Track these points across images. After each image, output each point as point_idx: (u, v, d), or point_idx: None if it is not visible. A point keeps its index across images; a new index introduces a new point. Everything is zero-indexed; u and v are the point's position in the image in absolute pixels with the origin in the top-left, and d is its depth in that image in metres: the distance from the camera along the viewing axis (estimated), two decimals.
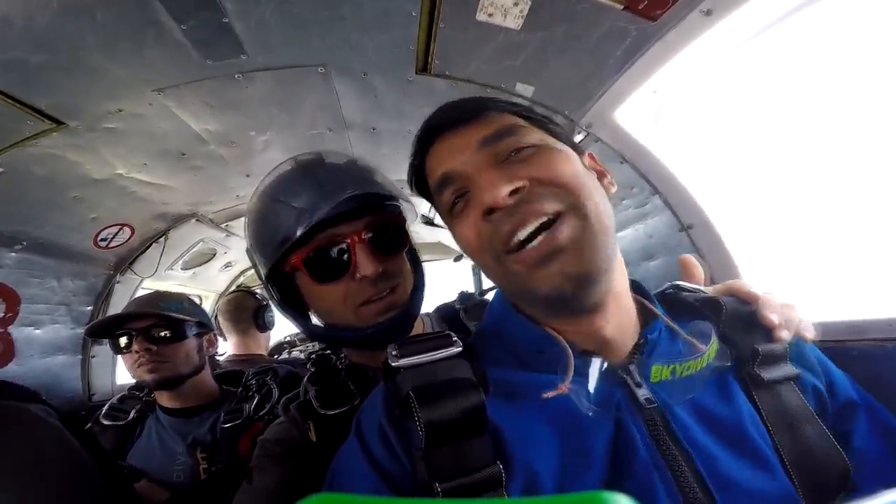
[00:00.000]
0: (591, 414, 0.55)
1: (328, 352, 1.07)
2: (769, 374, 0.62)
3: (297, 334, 3.11)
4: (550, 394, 0.55)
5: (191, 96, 1.46)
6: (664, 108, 1.37)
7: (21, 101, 1.29)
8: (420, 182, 0.73)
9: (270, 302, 2.28)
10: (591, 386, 0.57)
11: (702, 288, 0.76)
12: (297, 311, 0.99)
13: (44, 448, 0.77)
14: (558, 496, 0.23)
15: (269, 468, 0.90)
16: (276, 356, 2.78)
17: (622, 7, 1.04)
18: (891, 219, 1.20)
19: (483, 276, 3.34)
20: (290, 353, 2.88)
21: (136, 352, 1.51)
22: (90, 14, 1.08)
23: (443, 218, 0.70)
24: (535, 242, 0.56)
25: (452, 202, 0.64)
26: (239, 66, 1.38)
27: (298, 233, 0.83)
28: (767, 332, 0.66)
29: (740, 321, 0.68)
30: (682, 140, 1.39)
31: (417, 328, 1.02)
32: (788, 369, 0.64)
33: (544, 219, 0.56)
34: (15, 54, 1.14)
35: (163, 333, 1.53)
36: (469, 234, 0.62)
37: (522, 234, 0.56)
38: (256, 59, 1.36)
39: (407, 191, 0.86)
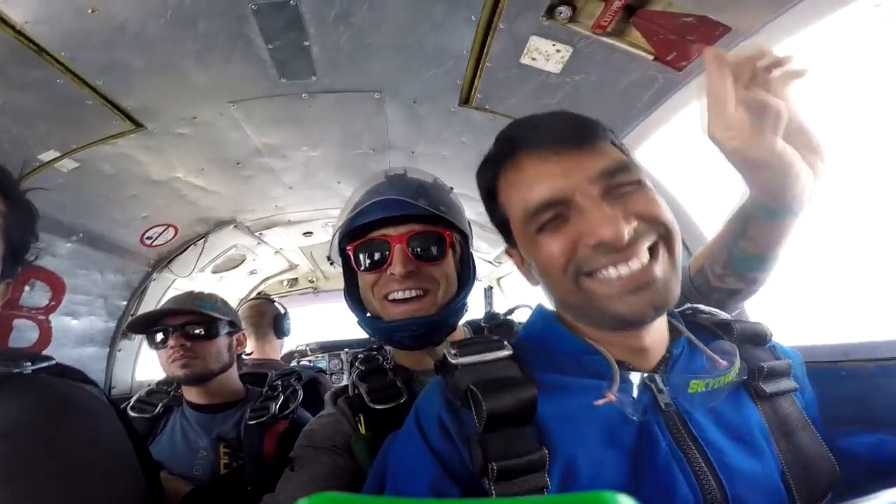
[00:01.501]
0: (635, 419, 0.63)
1: (374, 353, 1.16)
2: (771, 387, 0.70)
3: (308, 345, 3.22)
4: (601, 402, 0.62)
5: (259, 110, 1.63)
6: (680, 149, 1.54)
7: (114, 101, 1.46)
8: (490, 181, 0.75)
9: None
10: (635, 394, 0.66)
11: (716, 311, 0.84)
12: (351, 291, 1.11)
13: (98, 428, 0.80)
14: (558, 496, 0.24)
15: (317, 458, 0.95)
16: (286, 364, 2.85)
17: (652, 58, 1.23)
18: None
19: (493, 301, 3.44)
20: (299, 361, 2.95)
21: (171, 347, 1.57)
22: (195, 23, 1.22)
23: (514, 229, 0.72)
24: (633, 272, 0.61)
25: (547, 221, 0.65)
26: (307, 87, 1.55)
27: (346, 224, 1.03)
28: (771, 351, 0.77)
29: (748, 340, 0.76)
30: (698, 181, 1.55)
31: (457, 336, 1.12)
32: (789, 383, 0.72)
33: (644, 259, 0.61)
34: (120, 56, 1.29)
35: (197, 331, 1.60)
36: (556, 253, 0.64)
37: (623, 271, 0.61)
38: (323, 81, 1.53)
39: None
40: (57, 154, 1.55)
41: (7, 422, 0.68)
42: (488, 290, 3.27)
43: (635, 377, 0.66)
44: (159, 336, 1.61)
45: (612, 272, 0.61)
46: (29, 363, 0.82)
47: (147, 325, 1.64)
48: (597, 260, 0.61)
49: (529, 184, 0.67)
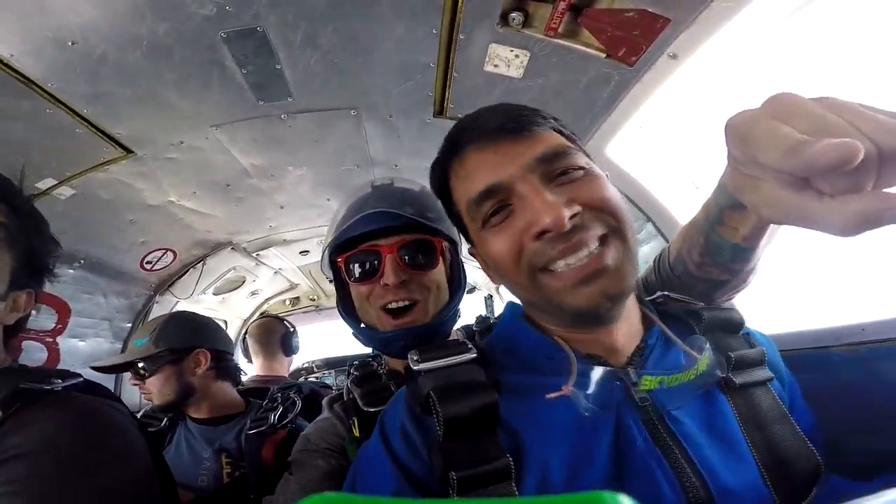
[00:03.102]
0: (587, 414, 0.61)
1: (370, 359, 1.19)
2: (742, 378, 0.67)
3: (314, 362, 3.26)
4: (553, 395, 0.60)
5: (242, 133, 1.70)
6: (650, 140, 1.55)
7: (103, 130, 1.54)
8: (443, 181, 0.75)
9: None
10: (591, 388, 0.63)
11: (687, 298, 0.81)
12: (345, 302, 1.14)
13: (130, 445, 0.82)
14: (558, 496, 0.23)
15: (313, 462, 0.98)
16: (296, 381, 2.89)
17: (604, 55, 1.26)
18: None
19: (496, 305, 3.43)
20: (306, 379, 2.99)
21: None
22: (170, 53, 1.29)
23: (466, 225, 0.72)
24: (582, 262, 0.59)
25: (490, 213, 0.65)
26: (285, 108, 1.62)
27: (335, 238, 1.04)
28: (745, 339, 0.74)
29: (719, 328, 0.74)
30: (668, 170, 1.56)
31: None
32: (762, 373, 0.69)
33: (593, 247, 0.59)
34: (104, 86, 1.37)
35: (141, 371, 1.67)
36: (504, 248, 0.63)
37: (572, 261, 0.59)
38: (300, 102, 1.60)
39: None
40: (54, 182, 1.64)
41: (43, 441, 0.70)
42: (489, 299, 3.26)
43: (597, 371, 0.63)
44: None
45: (560, 264, 0.60)
46: (59, 380, 0.83)
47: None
48: (545, 252, 0.60)
49: (471, 176, 0.67)
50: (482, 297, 3.41)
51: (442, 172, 0.74)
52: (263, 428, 1.58)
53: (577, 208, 0.59)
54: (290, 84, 1.51)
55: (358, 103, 1.66)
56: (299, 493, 0.94)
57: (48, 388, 0.80)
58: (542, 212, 0.58)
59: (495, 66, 1.43)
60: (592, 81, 1.36)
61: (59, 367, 1.96)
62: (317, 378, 2.90)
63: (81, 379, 0.89)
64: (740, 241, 0.68)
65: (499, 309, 3.46)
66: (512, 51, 1.36)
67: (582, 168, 0.63)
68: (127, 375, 2.28)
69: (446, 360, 0.67)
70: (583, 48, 1.27)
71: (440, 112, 1.71)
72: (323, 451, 0.99)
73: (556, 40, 1.28)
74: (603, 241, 0.60)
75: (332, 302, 1.30)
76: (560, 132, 0.69)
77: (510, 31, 1.30)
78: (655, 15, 1.08)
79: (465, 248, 1.14)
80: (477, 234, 0.69)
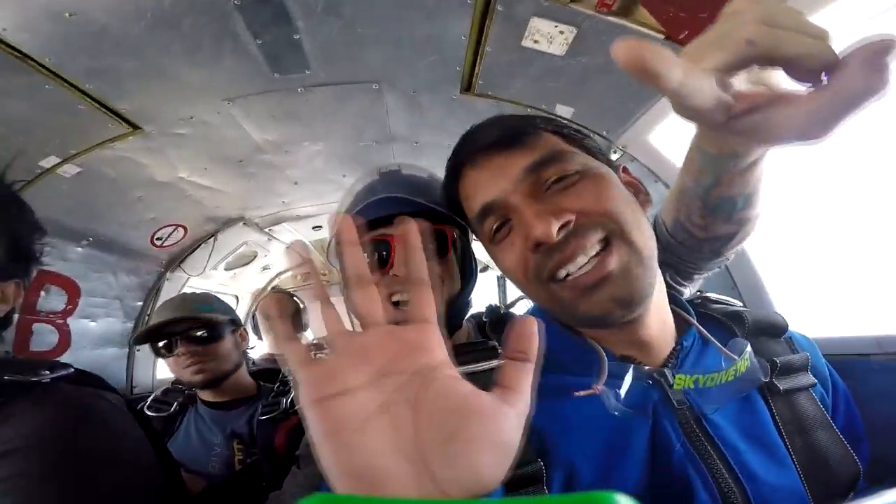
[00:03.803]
0: (616, 414, 0.58)
1: None
2: (785, 384, 0.66)
3: (324, 338, 3.23)
4: (582, 393, 0.59)
5: (256, 107, 1.59)
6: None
7: (107, 105, 1.44)
8: (454, 205, 0.75)
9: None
10: (624, 389, 0.60)
11: (727, 299, 0.80)
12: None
13: (119, 439, 0.80)
14: (559, 496, 0.23)
15: None
16: None
17: (664, 37, 1.13)
18: None
19: (507, 287, 3.39)
20: (315, 355, 2.98)
21: (182, 354, 1.57)
22: (178, 24, 1.19)
23: (482, 243, 0.72)
24: (585, 269, 0.58)
25: (494, 230, 0.65)
26: (302, 81, 1.50)
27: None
28: (788, 343, 0.71)
29: (763, 332, 0.72)
30: None
31: (463, 334, 1.09)
32: (806, 379, 0.68)
33: (592, 252, 0.58)
34: (108, 61, 1.27)
35: (203, 335, 1.60)
36: (513, 264, 0.63)
37: (572, 269, 0.58)
38: (318, 75, 1.48)
39: None
40: (58, 160, 1.55)
41: (29, 436, 0.68)
42: (501, 279, 3.21)
43: (629, 371, 0.61)
44: (164, 345, 1.60)
45: (562, 273, 0.59)
46: (47, 371, 0.80)
47: (152, 337, 1.63)
48: (545, 264, 0.59)
49: (470, 195, 0.68)
50: (495, 277, 3.37)
51: (451, 194, 0.74)
52: (275, 413, 1.57)
53: (569, 216, 0.58)
54: (308, 56, 1.40)
55: (380, 76, 1.54)
56: (307, 486, 0.91)
57: (35, 380, 0.76)
58: (531, 225, 0.58)
59: (535, 41, 1.30)
60: None
61: (71, 349, 1.93)
62: (325, 354, 2.87)
63: (72, 369, 0.85)
64: (740, 191, 0.65)
65: (510, 289, 3.42)
66: (556, 26, 1.23)
67: (577, 172, 0.62)
68: (140, 357, 2.29)
69: (476, 365, 0.63)
70: (638, 27, 1.15)
71: (468, 88, 1.59)
72: None
73: (609, 17, 1.15)
74: (605, 244, 0.58)
75: None
76: (560, 133, 0.67)
77: (556, 5, 1.17)
78: None
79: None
80: (487, 248, 0.70)
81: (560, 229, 0.57)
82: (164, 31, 1.21)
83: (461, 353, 0.66)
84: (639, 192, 0.68)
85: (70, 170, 1.61)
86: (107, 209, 1.87)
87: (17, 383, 0.74)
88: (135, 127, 1.56)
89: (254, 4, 1.18)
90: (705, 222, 0.73)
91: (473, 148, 0.67)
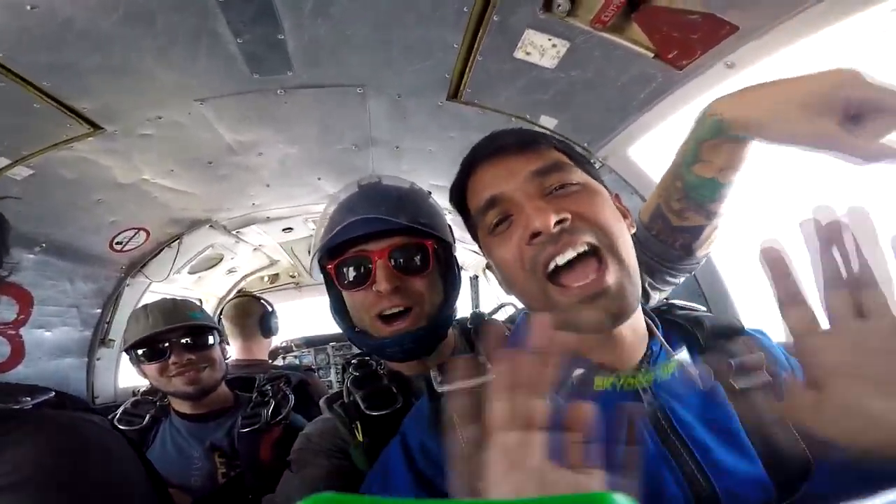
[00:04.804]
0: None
1: (367, 358, 1.14)
2: (742, 383, 0.70)
3: (293, 340, 3.16)
4: (561, 398, 0.61)
5: (230, 108, 1.51)
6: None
7: (64, 103, 1.32)
8: (460, 199, 0.80)
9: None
10: (596, 393, 0.66)
11: (692, 305, 0.88)
12: (337, 306, 1.08)
13: (116, 463, 0.78)
14: (558, 496, 0.23)
15: (314, 461, 0.97)
16: (271, 361, 2.79)
17: (653, 55, 1.16)
18: None
19: (480, 290, 3.42)
20: (284, 358, 2.90)
21: (174, 363, 1.51)
22: (151, 19, 1.11)
23: (479, 236, 0.77)
24: (583, 282, 0.63)
25: (495, 223, 0.70)
26: (283, 83, 1.44)
27: (327, 243, 0.99)
28: (745, 341, 0.77)
29: (721, 335, 0.77)
30: None
31: (449, 343, 1.09)
32: (762, 378, 0.72)
33: (581, 249, 0.63)
34: (68, 56, 1.17)
35: (198, 342, 1.55)
36: (510, 254, 0.68)
37: (561, 261, 0.63)
38: (301, 76, 1.42)
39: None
40: (7, 161, 1.41)
41: (26, 465, 0.64)
42: (474, 280, 3.23)
43: (603, 376, 0.67)
44: (156, 353, 1.52)
45: (552, 265, 0.63)
46: (28, 398, 0.79)
47: (147, 345, 1.54)
48: (539, 254, 0.64)
49: (479, 189, 0.73)
50: (468, 278, 3.38)
51: (461, 190, 0.79)
52: (258, 425, 1.53)
53: (566, 214, 0.64)
54: (291, 56, 1.33)
55: (365, 80, 1.50)
56: (303, 489, 0.92)
57: (17, 407, 0.74)
58: (532, 216, 0.64)
59: (527, 53, 1.30)
60: (633, 80, 1.26)
61: (26, 360, 1.78)
62: (294, 357, 2.81)
63: (52, 393, 0.84)
64: (717, 175, 0.77)
65: (483, 289, 3.44)
66: (549, 39, 1.23)
67: (578, 183, 0.69)
68: (101, 366, 2.15)
69: (468, 381, 0.65)
70: (630, 45, 1.17)
71: (454, 95, 1.57)
72: (326, 451, 0.97)
73: (602, 33, 1.16)
74: (595, 252, 0.64)
75: (313, 279, 1.23)
76: (565, 152, 0.74)
77: (552, 18, 1.17)
78: (723, 21, 0.99)
79: (457, 246, 1.12)
80: (485, 240, 0.74)
81: (556, 224, 0.63)
82: (137, 26, 1.12)
83: (448, 371, 0.70)
84: (626, 216, 0.74)
85: (21, 172, 1.47)
86: (62, 213, 1.72)
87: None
88: (96, 127, 1.44)
89: (239, 2, 1.11)
90: (681, 206, 0.84)
91: (490, 148, 0.74)
